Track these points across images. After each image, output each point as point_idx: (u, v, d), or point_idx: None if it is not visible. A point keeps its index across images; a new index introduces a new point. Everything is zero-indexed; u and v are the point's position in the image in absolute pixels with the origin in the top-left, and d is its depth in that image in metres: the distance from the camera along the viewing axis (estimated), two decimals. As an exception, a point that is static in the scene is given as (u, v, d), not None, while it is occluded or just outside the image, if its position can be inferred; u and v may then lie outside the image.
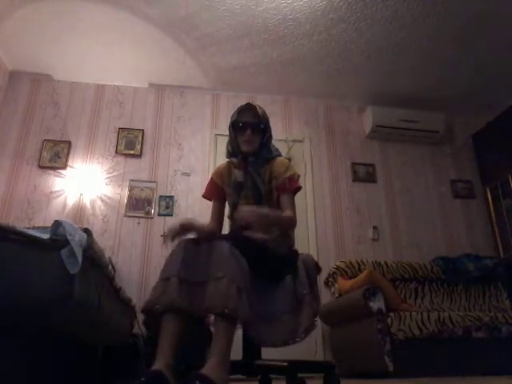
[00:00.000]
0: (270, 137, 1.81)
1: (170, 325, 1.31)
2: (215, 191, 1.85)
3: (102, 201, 3.66)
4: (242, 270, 1.32)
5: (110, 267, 1.82)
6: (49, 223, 1.35)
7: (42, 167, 3.68)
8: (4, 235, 1.19)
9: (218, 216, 1.83)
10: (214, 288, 1.26)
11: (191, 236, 1.48)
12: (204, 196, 1.90)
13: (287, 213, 1.65)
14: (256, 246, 1.48)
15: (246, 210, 1.45)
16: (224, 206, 1.87)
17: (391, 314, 2.73)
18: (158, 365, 1.22)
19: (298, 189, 1.75)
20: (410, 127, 4.21)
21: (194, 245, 1.43)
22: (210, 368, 1.14)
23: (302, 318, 1.43)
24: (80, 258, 1.28)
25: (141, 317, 2.96)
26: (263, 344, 1.35)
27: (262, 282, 1.47)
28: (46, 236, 1.27)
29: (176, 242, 1.48)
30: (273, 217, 1.57)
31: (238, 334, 1.33)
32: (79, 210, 3.59)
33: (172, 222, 3.65)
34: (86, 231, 1.44)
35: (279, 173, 1.72)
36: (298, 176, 1.78)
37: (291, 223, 1.65)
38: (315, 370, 1.80)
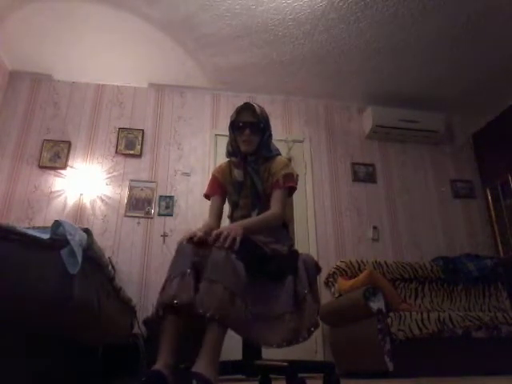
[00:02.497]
0: (270, 136, 1.82)
1: (170, 325, 1.32)
2: (217, 188, 1.85)
3: (102, 201, 3.66)
4: (237, 275, 1.32)
5: (110, 267, 1.82)
6: (49, 223, 1.35)
7: (41, 167, 3.68)
8: (4, 235, 1.19)
9: (216, 212, 1.83)
10: (208, 289, 1.26)
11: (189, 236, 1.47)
12: (206, 194, 1.89)
13: (273, 209, 1.66)
14: (253, 246, 1.48)
15: (224, 230, 1.43)
16: (223, 204, 1.87)
17: (391, 314, 2.73)
18: (158, 365, 1.23)
19: (293, 188, 1.74)
20: (409, 127, 4.20)
21: (194, 246, 1.44)
22: (202, 367, 1.15)
23: (303, 317, 1.43)
24: (80, 258, 1.28)
25: (141, 317, 2.97)
26: (267, 346, 1.34)
27: (264, 283, 1.47)
28: (46, 236, 1.27)
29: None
30: (254, 224, 1.58)
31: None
32: (79, 210, 3.59)
33: (172, 222, 3.66)
34: (86, 231, 1.44)
35: (276, 170, 1.73)
36: (297, 176, 1.78)
37: (275, 220, 1.65)
38: (315, 369, 1.80)
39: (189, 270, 1.35)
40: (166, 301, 1.30)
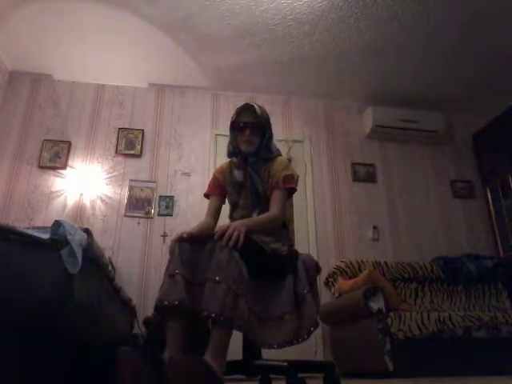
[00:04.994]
0: (271, 136, 1.82)
1: (175, 322, 1.33)
2: (217, 188, 1.86)
3: (102, 201, 3.66)
4: (240, 275, 1.33)
5: (110, 267, 1.82)
6: (49, 223, 1.35)
7: (41, 167, 3.68)
8: (4, 235, 1.19)
9: (214, 212, 1.83)
10: (212, 290, 1.27)
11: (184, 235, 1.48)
12: (206, 194, 1.90)
13: (272, 211, 1.65)
14: (256, 246, 1.49)
15: (224, 227, 1.44)
16: (222, 204, 1.87)
17: (391, 314, 2.73)
18: (167, 354, 1.25)
19: (292, 189, 1.74)
20: (409, 127, 4.20)
21: (189, 245, 1.44)
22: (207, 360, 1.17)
23: (303, 317, 1.43)
24: (80, 258, 1.28)
25: (141, 317, 2.97)
26: (268, 346, 1.35)
27: (264, 284, 1.47)
28: (45, 236, 1.27)
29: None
30: (254, 224, 1.57)
31: (239, 334, 1.33)
32: (79, 210, 3.59)
33: (172, 222, 3.66)
34: (86, 231, 1.44)
35: (276, 171, 1.73)
36: (297, 177, 1.78)
37: (274, 221, 1.65)
38: (315, 370, 1.80)
39: (177, 271, 1.37)
40: (156, 302, 1.34)
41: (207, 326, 1.27)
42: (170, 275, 1.37)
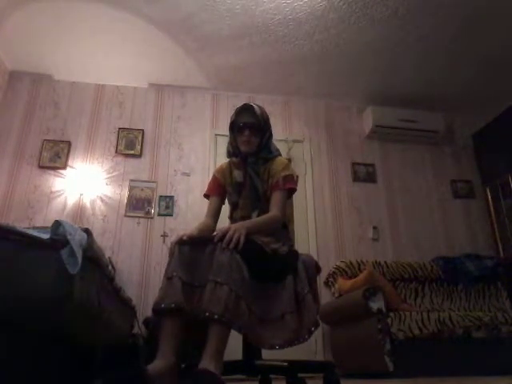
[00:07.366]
0: (270, 136, 1.82)
1: (170, 325, 1.33)
2: (217, 188, 1.86)
3: (102, 201, 3.66)
4: (242, 277, 1.33)
5: (110, 267, 1.82)
6: (49, 223, 1.35)
7: (41, 167, 3.68)
8: (4, 235, 1.19)
9: (214, 212, 1.83)
10: (213, 292, 1.27)
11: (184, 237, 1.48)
12: (205, 194, 1.90)
13: (272, 212, 1.65)
14: (256, 246, 1.49)
15: (225, 229, 1.44)
16: (222, 204, 1.87)
17: (391, 314, 2.73)
18: (159, 362, 1.23)
19: (292, 189, 1.74)
20: (409, 127, 4.21)
21: (189, 247, 1.44)
22: (206, 363, 1.17)
23: (304, 317, 1.43)
24: (80, 258, 1.28)
25: (141, 317, 2.97)
26: (269, 347, 1.35)
27: (264, 285, 1.47)
28: (45, 236, 1.27)
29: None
30: (254, 225, 1.57)
31: (239, 334, 1.33)
32: (79, 210, 3.59)
33: (172, 222, 3.66)
34: (86, 231, 1.44)
35: (276, 171, 1.73)
36: (297, 177, 1.78)
37: (275, 223, 1.65)
38: (315, 369, 1.80)
39: (175, 273, 1.37)
40: (153, 306, 1.34)
41: (204, 330, 1.26)
42: (168, 278, 1.37)
